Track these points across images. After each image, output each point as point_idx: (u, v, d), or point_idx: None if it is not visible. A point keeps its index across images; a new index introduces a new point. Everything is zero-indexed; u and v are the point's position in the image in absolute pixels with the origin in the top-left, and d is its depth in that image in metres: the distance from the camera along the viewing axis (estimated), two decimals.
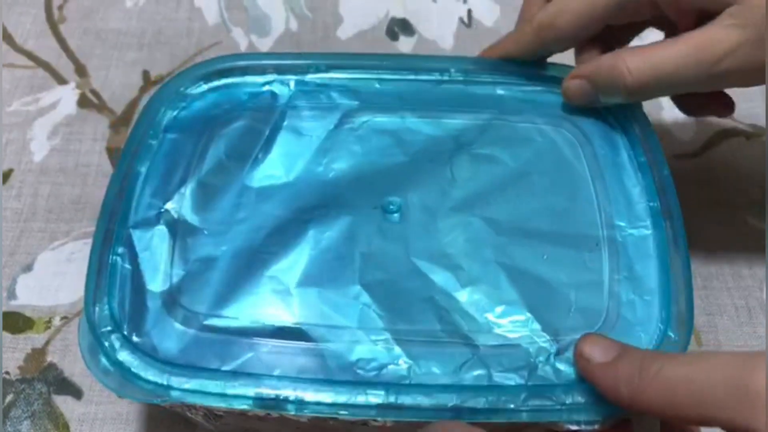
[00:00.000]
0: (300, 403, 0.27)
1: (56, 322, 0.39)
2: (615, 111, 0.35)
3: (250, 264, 0.31)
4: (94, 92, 0.48)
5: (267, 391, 0.28)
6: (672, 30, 0.35)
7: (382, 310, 0.30)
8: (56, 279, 0.40)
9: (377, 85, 0.36)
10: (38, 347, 0.38)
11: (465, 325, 0.30)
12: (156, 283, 0.30)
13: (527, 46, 0.36)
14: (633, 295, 0.30)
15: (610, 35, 0.36)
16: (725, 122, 0.46)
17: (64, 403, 0.36)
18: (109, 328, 0.29)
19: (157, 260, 0.31)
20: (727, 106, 0.37)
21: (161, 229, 0.32)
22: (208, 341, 0.29)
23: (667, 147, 0.35)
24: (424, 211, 0.32)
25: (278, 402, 0.27)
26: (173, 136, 0.34)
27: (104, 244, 0.31)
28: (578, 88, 0.34)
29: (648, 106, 0.35)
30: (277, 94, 0.36)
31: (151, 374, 0.28)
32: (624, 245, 0.31)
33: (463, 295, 0.30)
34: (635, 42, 0.37)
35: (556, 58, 0.37)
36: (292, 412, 0.27)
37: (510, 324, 0.30)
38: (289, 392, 0.27)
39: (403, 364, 0.29)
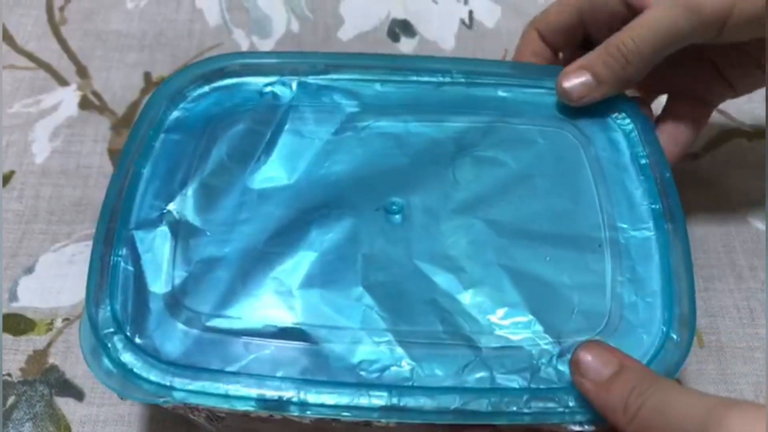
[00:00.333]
0: (303, 405, 0.27)
1: (58, 323, 0.39)
2: (616, 112, 0.35)
3: (252, 265, 0.31)
4: (96, 94, 0.48)
5: (270, 393, 0.28)
6: None
7: (385, 311, 0.30)
8: (58, 281, 0.40)
9: (379, 87, 0.36)
10: (40, 349, 0.38)
11: (467, 327, 0.29)
12: (158, 285, 0.30)
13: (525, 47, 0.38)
14: (635, 296, 0.30)
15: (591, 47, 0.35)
16: (727, 123, 0.46)
17: (65, 404, 0.36)
18: (111, 330, 0.29)
19: (160, 261, 0.31)
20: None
21: (163, 230, 0.32)
22: (210, 342, 0.29)
23: None
24: (427, 213, 0.32)
25: (281, 403, 0.27)
26: (174, 136, 0.34)
27: (105, 245, 0.31)
28: (577, 81, 0.34)
29: None
30: (279, 96, 0.36)
31: (153, 375, 0.28)
32: (626, 247, 0.31)
33: (466, 297, 0.30)
34: None
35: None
36: (295, 414, 0.27)
37: (512, 326, 0.30)
38: (292, 394, 0.27)
39: (405, 365, 0.29)
